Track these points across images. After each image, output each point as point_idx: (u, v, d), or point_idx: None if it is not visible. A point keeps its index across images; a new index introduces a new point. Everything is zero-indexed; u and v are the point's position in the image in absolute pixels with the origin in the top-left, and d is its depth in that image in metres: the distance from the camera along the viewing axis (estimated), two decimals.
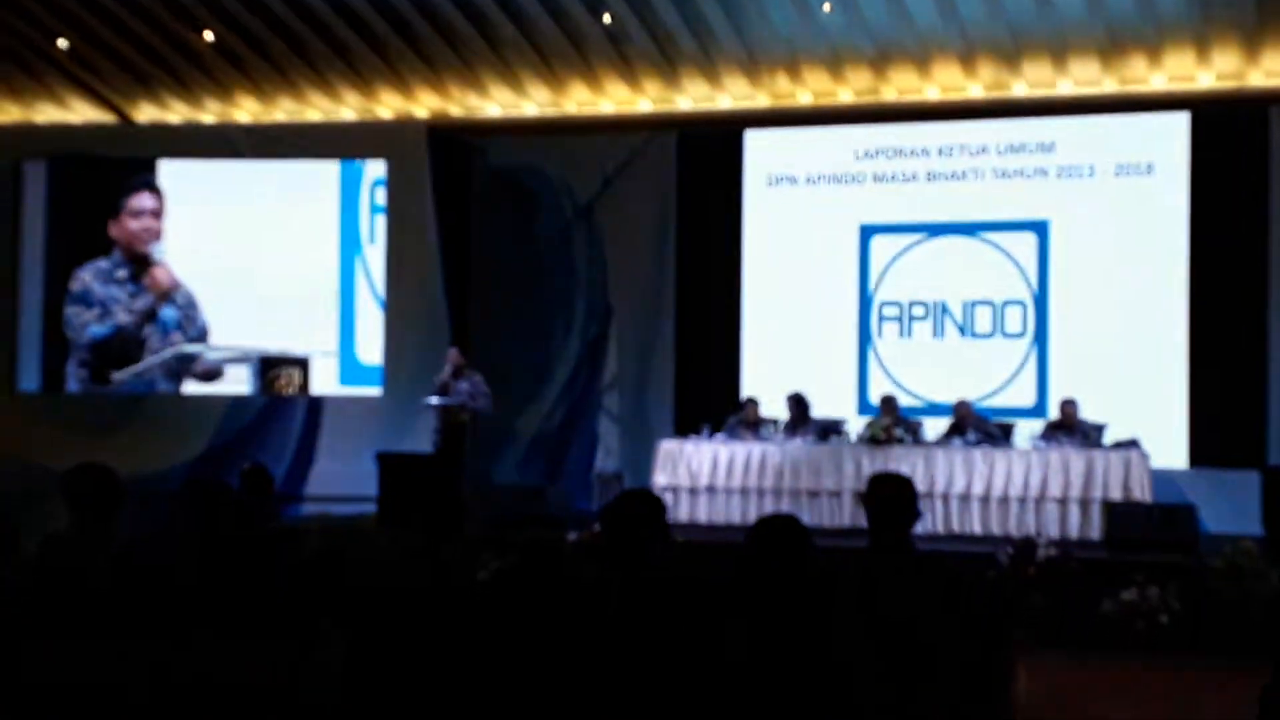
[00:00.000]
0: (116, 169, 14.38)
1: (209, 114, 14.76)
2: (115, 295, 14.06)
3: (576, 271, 14.52)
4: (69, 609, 3.68)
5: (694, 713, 3.20)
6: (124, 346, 14.04)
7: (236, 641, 3.37)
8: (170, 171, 14.40)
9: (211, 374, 14.03)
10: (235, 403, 14.17)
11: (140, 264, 14.16)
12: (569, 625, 3.76)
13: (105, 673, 3.35)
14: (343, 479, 12.98)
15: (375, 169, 14.41)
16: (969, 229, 13.41)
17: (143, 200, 14.26)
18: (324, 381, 14.08)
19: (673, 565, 4.23)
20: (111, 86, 14.58)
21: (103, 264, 14.20)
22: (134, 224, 14.20)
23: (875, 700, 3.30)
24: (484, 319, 14.39)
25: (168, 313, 14.09)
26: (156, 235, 14.19)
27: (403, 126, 14.46)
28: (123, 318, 14.02)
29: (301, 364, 13.54)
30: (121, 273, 14.14)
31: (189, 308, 14.16)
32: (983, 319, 13.36)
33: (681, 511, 11.78)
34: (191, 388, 14.09)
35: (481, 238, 14.69)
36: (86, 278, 14.13)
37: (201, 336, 14.17)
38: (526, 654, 3.45)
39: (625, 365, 14.16)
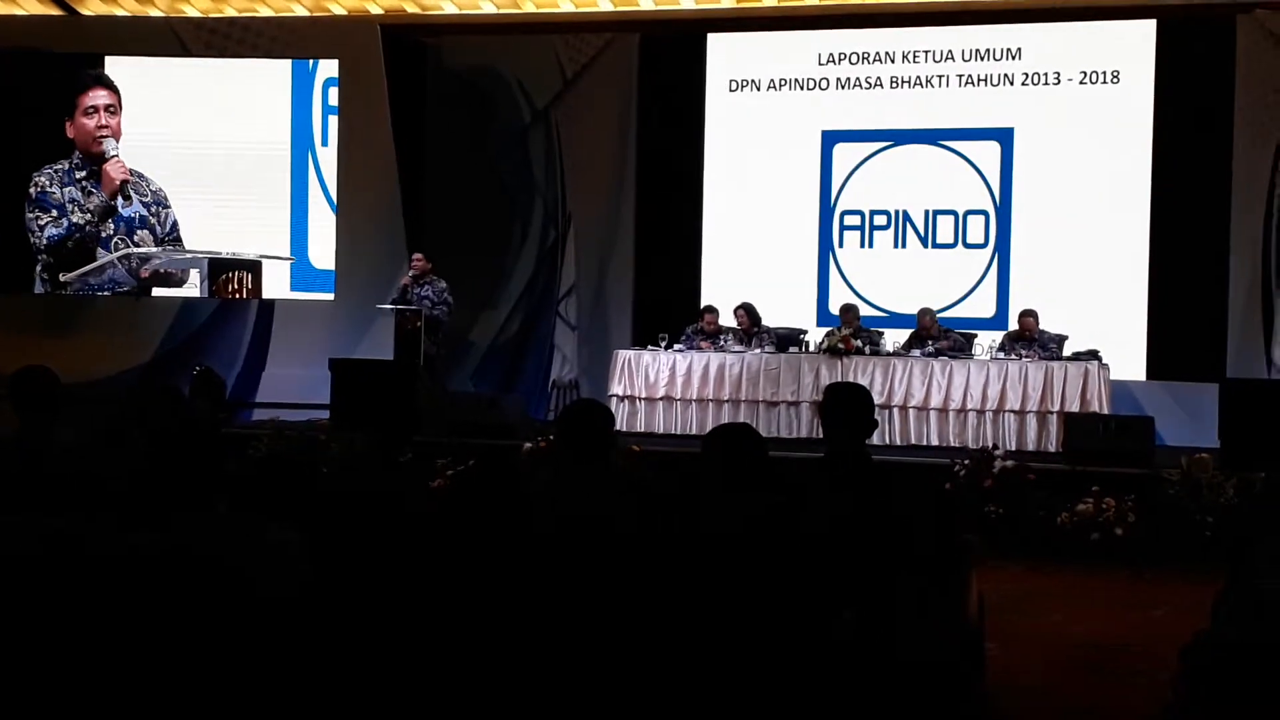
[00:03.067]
0: (62, 65, 14.13)
1: (157, 9, 14.48)
2: (74, 196, 13.92)
3: (534, 177, 14.42)
4: (8, 499, 3.65)
5: (648, 613, 3.22)
6: (81, 246, 13.91)
7: (182, 530, 3.35)
8: (118, 69, 14.15)
9: (169, 278, 13.86)
10: (185, 307, 14.03)
11: (98, 162, 13.98)
12: (521, 530, 3.77)
13: (30, 547, 3.33)
14: (295, 385, 12.92)
15: (328, 69, 14.21)
16: (932, 137, 13.38)
17: (96, 96, 14.04)
18: (275, 286, 13.96)
19: (624, 471, 4.25)
20: None
21: (61, 165, 14.02)
22: (88, 122, 14.00)
23: (829, 606, 3.33)
24: (439, 224, 14.28)
25: (130, 210, 13.92)
26: (111, 131, 13.97)
27: (355, 25, 14.25)
28: (77, 217, 13.88)
29: (252, 267, 13.40)
30: (80, 173, 13.98)
31: (156, 205, 14.00)
32: (945, 229, 13.38)
33: (638, 421, 11.83)
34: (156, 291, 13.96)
35: (436, 141, 14.54)
36: (43, 181, 13.96)
37: (172, 235, 14.02)
38: (479, 559, 3.46)
39: (583, 273, 14.12)
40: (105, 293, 13.90)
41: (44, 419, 5.04)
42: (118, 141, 14.00)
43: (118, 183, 13.90)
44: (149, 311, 13.97)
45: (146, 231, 13.98)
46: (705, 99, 13.99)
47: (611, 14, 14.09)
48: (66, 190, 13.93)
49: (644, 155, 14.15)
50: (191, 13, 14.45)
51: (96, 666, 3.14)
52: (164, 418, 5.09)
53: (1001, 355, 11.51)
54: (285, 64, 14.24)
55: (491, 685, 3.19)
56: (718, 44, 13.99)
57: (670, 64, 14.13)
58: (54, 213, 13.93)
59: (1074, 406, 10.96)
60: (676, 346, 12.13)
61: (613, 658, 3.14)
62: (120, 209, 13.91)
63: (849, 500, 4.18)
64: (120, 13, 14.53)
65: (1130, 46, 12.91)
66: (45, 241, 13.95)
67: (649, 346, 12.26)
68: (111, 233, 13.94)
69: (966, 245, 13.32)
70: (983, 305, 13.19)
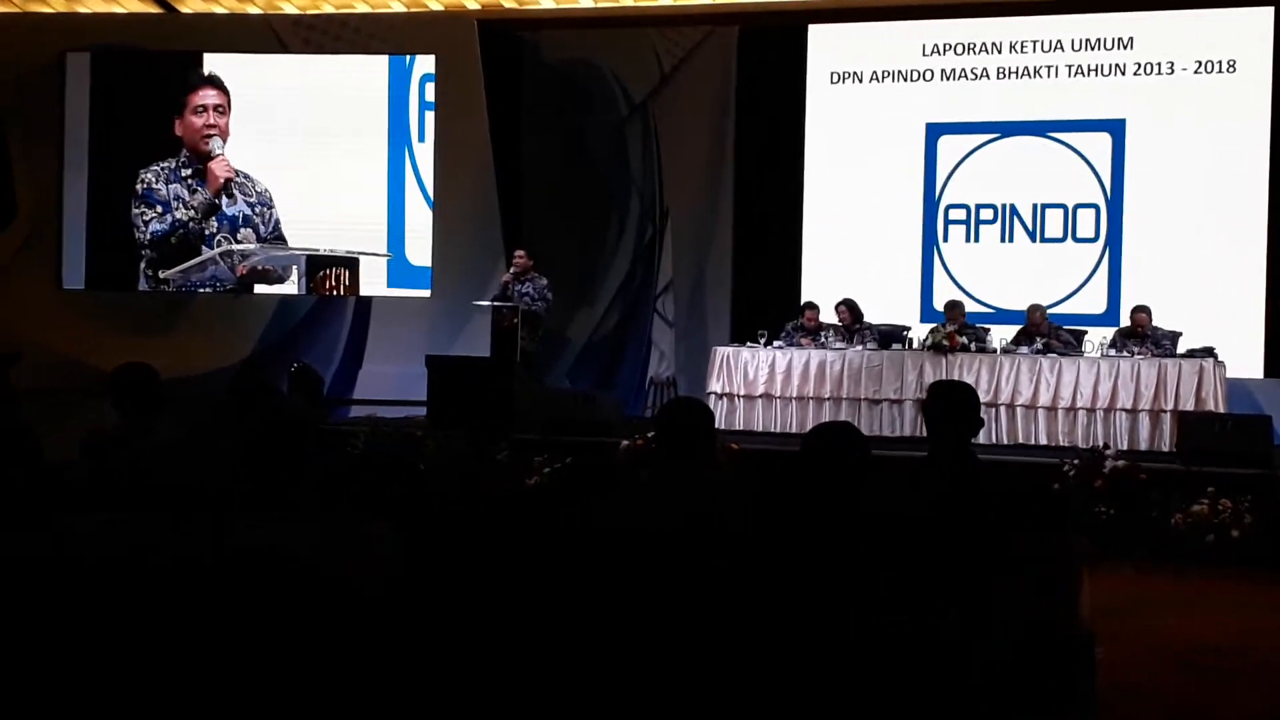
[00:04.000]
0: (161, 62, 14.42)
1: (255, 6, 14.71)
2: (179, 193, 14.25)
3: (631, 171, 14.44)
4: (108, 497, 3.73)
5: (746, 613, 3.21)
6: (185, 243, 14.24)
7: (281, 524, 3.40)
8: (215, 66, 14.41)
9: (268, 275, 14.09)
10: (283, 304, 14.26)
11: (204, 161, 14.30)
12: (619, 529, 3.77)
13: (139, 544, 3.39)
14: (391, 382, 13.07)
15: (424, 64, 14.34)
16: (1040, 128, 13.21)
17: (205, 96, 14.33)
18: (372, 283, 14.13)
19: (726, 472, 4.24)
20: None
21: (168, 163, 14.36)
22: (196, 120, 14.32)
23: (935, 607, 3.30)
24: (535, 219, 14.35)
25: (234, 209, 14.20)
26: (220, 131, 14.27)
27: (452, 20, 14.37)
28: (181, 214, 14.20)
29: (349, 264, 13.58)
30: (186, 171, 14.32)
31: (261, 205, 14.27)
32: (1053, 223, 13.20)
33: (737, 419, 11.82)
34: (259, 289, 14.21)
35: (533, 135, 14.61)
36: (150, 178, 14.34)
37: (275, 234, 14.27)
38: (574, 558, 3.47)
39: (681, 269, 14.10)
40: (206, 290, 14.17)
41: (144, 416, 5.12)
42: (225, 141, 14.26)
43: (222, 181, 14.19)
44: (247, 308, 14.21)
45: (250, 230, 14.24)
46: (806, 91, 13.92)
47: (710, 6, 14.08)
48: (172, 187, 14.25)
49: (743, 149, 14.11)
50: (289, 9, 14.66)
51: (185, 666, 3.19)
52: (261, 413, 5.16)
53: (1113, 352, 11.34)
54: (382, 60, 14.40)
55: (589, 685, 3.20)
56: (819, 35, 13.92)
57: (770, 56, 14.08)
58: (159, 209, 14.26)
59: (1188, 405, 10.77)
60: (776, 343, 12.09)
61: (706, 655, 3.14)
62: (224, 207, 14.19)
63: (954, 499, 4.14)
64: (219, 10, 14.77)
65: (1247, 34, 12.65)
66: (149, 236, 14.29)
67: (748, 343, 12.24)
68: (215, 230, 14.22)
69: (1076, 239, 13.14)
70: (1093, 301, 12.99)
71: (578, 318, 14.39)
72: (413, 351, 12.61)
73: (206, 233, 14.22)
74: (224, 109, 14.29)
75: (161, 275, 14.17)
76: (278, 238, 14.23)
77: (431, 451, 10.18)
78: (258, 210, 14.24)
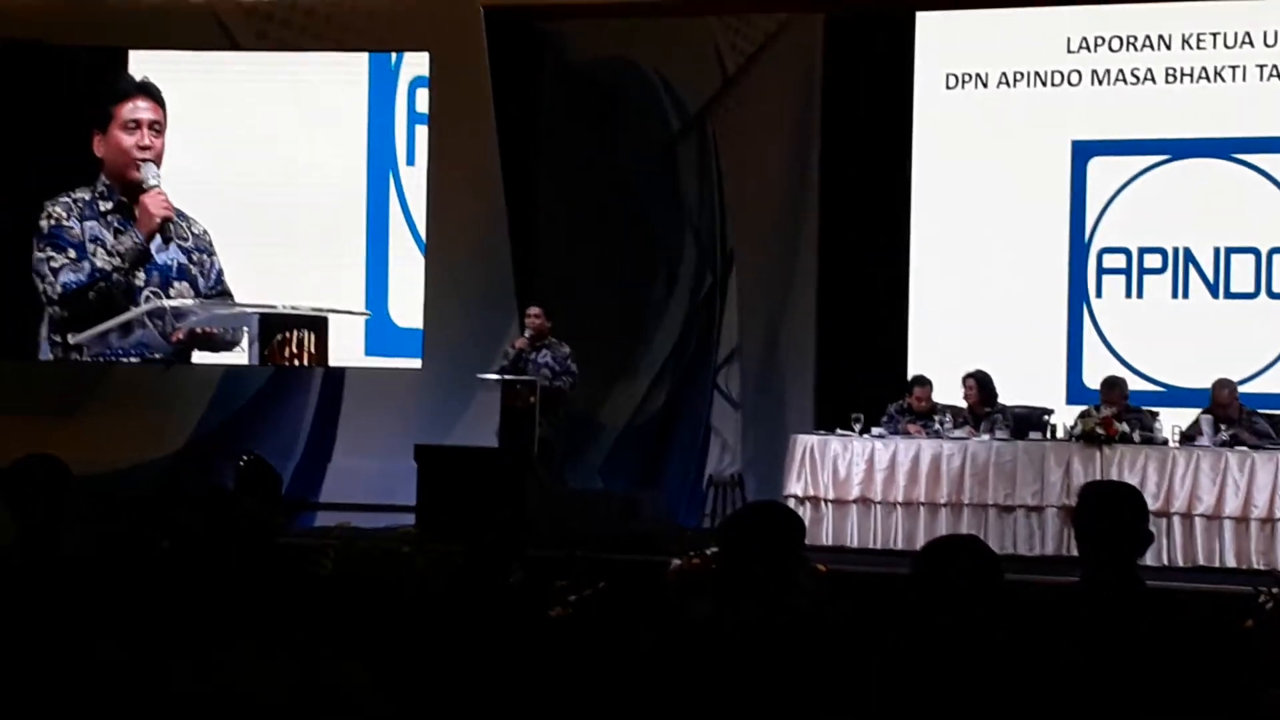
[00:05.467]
0: (76, 60, 14.42)
1: None
2: (97, 234, 13.92)
3: (684, 204, 14.50)
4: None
5: None
6: (107, 299, 13.78)
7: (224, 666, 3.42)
8: (145, 67, 14.41)
9: (212, 339, 13.88)
10: (229, 377, 14.25)
11: (133, 193, 13.93)
12: (671, 680, 3.77)
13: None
14: (369, 480, 13.08)
15: (415, 64, 14.43)
16: (1224, 148, 13.22)
17: (138, 109, 14.11)
18: (345, 349, 14.12)
19: (812, 602, 4.24)
20: None
21: (83, 194, 14.03)
22: (125, 139, 14.02)
23: None
24: (557, 268, 14.40)
25: (166, 256, 13.88)
26: (154, 154, 13.97)
27: (452, 5, 14.45)
28: (101, 261, 13.90)
29: (315, 325, 13.57)
30: (106, 204, 13.98)
31: (199, 251, 14.01)
32: (1242, 272, 13.18)
33: (824, 531, 11.80)
34: (199, 357, 14.05)
35: (556, 158, 14.69)
36: (59, 212, 13.89)
37: (217, 287, 14.08)
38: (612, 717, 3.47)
39: (750, 332, 14.13)
40: (131, 359, 14.00)
41: (48, 522, 5.17)
42: (159, 168, 13.93)
43: (158, 220, 13.74)
44: (183, 383, 14.17)
45: (186, 284, 13.88)
46: (914, 99, 13.96)
47: None
48: (89, 225, 13.84)
49: (830, 175, 14.14)
50: None
51: None
52: (202, 522, 5.19)
53: None
54: (361, 59, 14.49)
55: None
56: (931, 26, 13.99)
57: (866, 53, 14.14)
58: (72, 253, 13.76)
59: None
60: (876, 431, 12.09)
61: None
62: (155, 254, 13.84)
63: (1112, 641, 4.14)
64: None
65: None
66: (60, 290, 13.77)
67: (838, 431, 12.24)
68: (143, 284, 13.93)
69: (1273, 294, 13.11)
70: None
71: (614, 396, 14.42)
72: (398, 440, 12.64)
73: (136, 285, 13.92)
74: (160, 127, 14.02)
75: (71, 340, 14.03)
76: (220, 293, 14.06)
77: (421, 571, 10.18)
78: (195, 258, 14.01)
